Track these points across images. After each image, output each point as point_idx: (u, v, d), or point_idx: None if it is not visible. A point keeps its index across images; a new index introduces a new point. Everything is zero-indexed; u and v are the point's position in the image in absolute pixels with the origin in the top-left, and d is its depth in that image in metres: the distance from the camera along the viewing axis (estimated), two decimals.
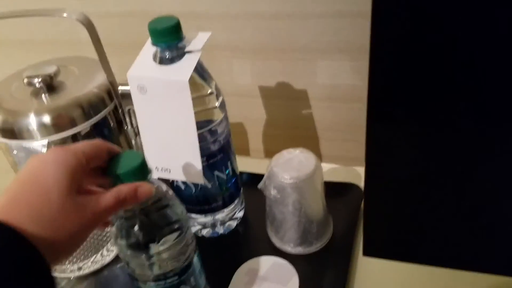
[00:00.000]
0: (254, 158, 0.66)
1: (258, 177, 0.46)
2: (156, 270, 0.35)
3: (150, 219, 0.34)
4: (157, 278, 0.36)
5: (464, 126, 0.31)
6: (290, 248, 0.46)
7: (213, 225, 0.49)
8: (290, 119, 0.62)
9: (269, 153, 0.66)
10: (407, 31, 0.29)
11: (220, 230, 0.50)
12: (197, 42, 0.40)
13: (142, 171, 0.32)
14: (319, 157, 0.61)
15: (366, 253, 0.38)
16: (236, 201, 0.50)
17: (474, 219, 0.35)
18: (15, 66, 0.50)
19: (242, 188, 0.51)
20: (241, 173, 0.52)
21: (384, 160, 0.33)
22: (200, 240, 0.42)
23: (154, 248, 0.34)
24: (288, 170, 0.43)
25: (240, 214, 0.51)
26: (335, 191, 0.50)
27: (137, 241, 0.34)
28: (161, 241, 0.34)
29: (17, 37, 0.67)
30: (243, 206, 0.52)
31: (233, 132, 0.48)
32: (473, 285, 0.42)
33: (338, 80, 0.56)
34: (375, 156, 0.33)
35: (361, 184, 0.53)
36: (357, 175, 0.57)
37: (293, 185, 0.42)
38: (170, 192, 0.36)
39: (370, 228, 0.36)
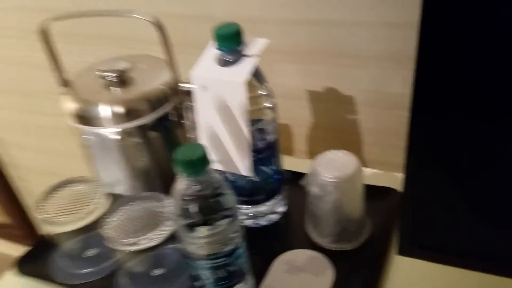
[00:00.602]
0: (298, 158, 0.70)
1: (301, 175, 0.50)
2: (207, 250, 0.40)
3: (207, 204, 0.38)
4: (207, 258, 0.40)
5: (505, 135, 0.33)
6: (327, 244, 0.50)
7: (255, 217, 0.53)
8: (335, 123, 0.65)
9: (312, 154, 0.69)
10: (453, 42, 0.31)
11: (262, 222, 0.54)
12: (255, 47, 0.44)
13: (203, 161, 0.37)
14: (361, 161, 0.64)
15: (401, 252, 0.40)
16: (278, 196, 0.54)
17: None
18: (89, 58, 0.57)
19: (285, 185, 0.55)
20: (285, 171, 0.56)
21: (422, 162, 0.36)
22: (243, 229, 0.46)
23: (207, 230, 0.38)
24: (330, 170, 0.46)
25: (281, 209, 0.55)
26: (374, 194, 0.53)
27: (193, 223, 0.38)
28: (214, 225, 0.38)
29: (92, 32, 0.73)
30: (285, 202, 0.55)
31: (279, 132, 0.51)
32: None
33: (385, 88, 0.59)
34: (414, 159, 0.35)
35: (400, 189, 0.55)
36: (396, 180, 0.59)
37: (334, 184, 0.46)
38: (225, 182, 0.40)
39: (406, 228, 0.39)
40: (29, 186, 1.19)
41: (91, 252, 0.53)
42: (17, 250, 1.37)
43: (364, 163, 0.65)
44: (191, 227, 0.38)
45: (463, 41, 0.31)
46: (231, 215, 0.39)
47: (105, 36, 0.73)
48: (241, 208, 0.53)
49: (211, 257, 0.40)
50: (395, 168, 0.61)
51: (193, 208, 0.38)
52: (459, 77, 0.32)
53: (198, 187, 0.38)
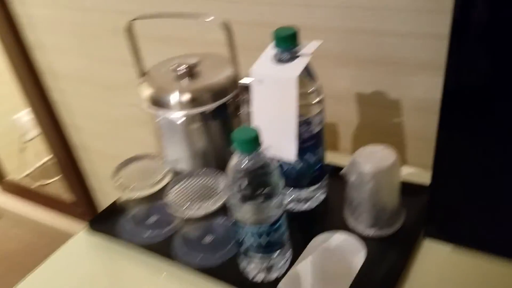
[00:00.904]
0: (341, 154, 0.75)
1: (342, 169, 0.55)
2: (253, 219, 0.46)
3: (255, 179, 0.45)
4: (253, 225, 0.46)
5: None
6: (362, 229, 0.54)
7: (298, 200, 0.59)
8: (380, 125, 0.70)
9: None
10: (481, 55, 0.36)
11: (303, 206, 0.59)
12: (308, 48, 0.50)
13: (255, 141, 0.43)
14: (404, 162, 0.68)
15: (428, 234, 0.44)
16: (318, 184, 0.59)
17: None
18: (160, 57, 0.65)
19: (326, 176, 0.60)
20: (328, 164, 0.61)
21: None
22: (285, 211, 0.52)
23: (255, 202, 0.45)
24: (370, 161, 0.51)
25: (321, 196, 0.60)
26: (411, 189, 0.57)
27: (243, 194, 0.45)
28: (260, 198, 0.45)
29: (162, 33, 0.83)
30: (325, 190, 0.61)
31: (326, 130, 0.57)
32: None
33: (430, 95, 0.62)
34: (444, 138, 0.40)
35: None
36: None
37: (372, 174, 0.51)
38: (274, 163, 0.46)
39: (433, 211, 0.43)
40: (94, 168, 1.32)
41: (152, 219, 0.61)
42: (77, 227, 1.52)
43: (403, 161, 0.69)
44: (241, 198, 0.45)
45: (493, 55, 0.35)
46: (276, 191, 0.46)
47: (175, 37, 0.82)
48: (284, 191, 0.59)
49: (256, 225, 0.46)
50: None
51: (244, 181, 0.45)
52: (487, 86, 0.37)
53: (250, 164, 0.45)
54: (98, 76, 1.06)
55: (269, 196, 0.46)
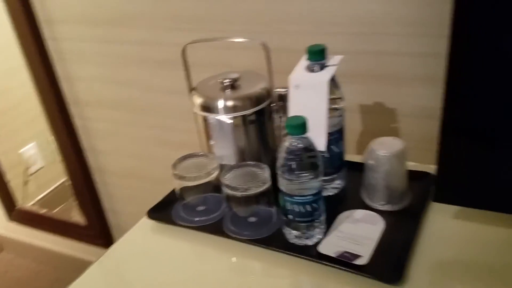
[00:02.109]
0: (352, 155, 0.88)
1: (353, 164, 0.70)
2: (300, 191, 0.59)
3: (302, 158, 0.58)
4: (300, 195, 0.59)
5: None
6: (378, 206, 0.67)
7: (325, 185, 0.72)
8: (380, 130, 0.84)
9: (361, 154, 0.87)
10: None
11: (329, 190, 0.72)
12: (334, 60, 0.65)
13: (304, 126, 0.57)
14: None
15: (437, 199, 0.57)
16: (341, 172, 0.73)
17: None
18: (207, 74, 0.79)
19: (345, 167, 0.74)
20: (348, 161, 0.75)
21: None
22: None
23: (303, 177, 0.58)
24: (384, 148, 0.65)
25: (342, 183, 0.73)
26: (415, 175, 0.70)
27: (293, 171, 0.58)
28: (307, 175, 0.58)
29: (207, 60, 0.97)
30: (344, 178, 0.74)
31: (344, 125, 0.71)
32: None
33: (427, 103, 0.78)
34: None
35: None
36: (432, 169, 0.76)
37: (386, 157, 0.64)
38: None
39: (441, 177, 0.56)
40: (110, 190, 1.41)
41: (202, 207, 0.73)
42: (88, 253, 1.58)
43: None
44: (291, 172, 0.58)
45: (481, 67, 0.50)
46: (318, 171, 0.59)
47: (212, 62, 0.96)
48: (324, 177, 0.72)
49: (303, 194, 0.59)
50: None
51: (294, 159, 0.58)
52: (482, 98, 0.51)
53: (298, 145, 0.58)
54: (121, 101, 1.18)
55: (312, 172, 0.58)
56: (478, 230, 0.62)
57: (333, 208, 0.69)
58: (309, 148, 0.58)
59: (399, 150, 0.65)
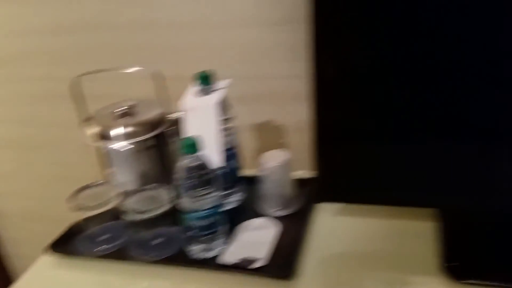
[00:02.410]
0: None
1: (251, 177, 0.77)
2: (198, 205, 0.63)
3: (200, 177, 0.63)
4: (198, 211, 0.63)
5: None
6: (272, 212, 0.74)
7: (225, 199, 0.77)
8: (273, 146, 0.93)
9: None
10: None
11: (228, 205, 0.77)
12: (222, 84, 0.72)
13: (195, 146, 0.62)
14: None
15: (318, 200, 0.66)
16: (238, 187, 0.79)
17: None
18: (104, 105, 0.81)
19: (243, 181, 0.80)
20: (245, 175, 0.81)
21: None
22: None
23: (200, 193, 0.62)
24: (272, 160, 0.72)
25: (241, 196, 0.79)
26: (301, 182, 0.79)
27: (191, 188, 0.62)
28: (204, 190, 0.63)
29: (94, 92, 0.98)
30: (242, 191, 0.80)
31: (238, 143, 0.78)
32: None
33: (302, 117, 0.88)
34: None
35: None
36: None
37: (274, 168, 0.72)
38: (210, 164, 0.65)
39: (320, 179, 0.65)
40: (11, 234, 1.32)
41: (105, 236, 0.73)
42: None
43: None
44: (189, 189, 0.62)
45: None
46: (214, 188, 0.64)
47: (108, 93, 0.98)
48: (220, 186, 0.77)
49: (200, 210, 0.63)
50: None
51: (190, 176, 0.62)
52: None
53: (193, 163, 0.62)
54: (17, 140, 1.13)
55: (209, 187, 0.63)
56: (360, 223, 0.72)
57: (233, 219, 0.74)
58: (204, 166, 0.63)
59: (285, 161, 0.73)
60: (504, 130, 0.57)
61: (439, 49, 0.55)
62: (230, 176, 0.76)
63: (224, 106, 0.73)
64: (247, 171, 0.83)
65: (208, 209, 0.64)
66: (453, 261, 0.61)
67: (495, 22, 0.52)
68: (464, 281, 0.58)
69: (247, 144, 0.94)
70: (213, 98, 0.70)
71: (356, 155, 0.65)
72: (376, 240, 0.68)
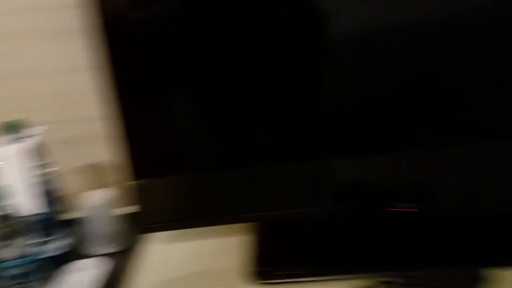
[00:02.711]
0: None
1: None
2: (7, 255, 0.62)
3: (8, 226, 0.62)
4: (12, 259, 0.62)
5: None
6: (100, 250, 0.76)
7: (48, 245, 0.76)
8: (97, 185, 0.94)
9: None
10: None
11: (53, 250, 0.76)
12: (34, 131, 0.73)
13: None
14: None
15: (143, 231, 0.71)
16: (61, 231, 0.79)
17: None
18: None
19: (70, 225, 0.80)
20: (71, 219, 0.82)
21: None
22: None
23: (10, 242, 0.62)
24: (93, 200, 0.75)
25: (66, 240, 0.79)
26: (131, 216, 0.83)
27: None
28: (13, 239, 0.62)
29: None
30: (69, 235, 0.80)
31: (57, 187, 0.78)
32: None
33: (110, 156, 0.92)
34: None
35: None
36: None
37: (96, 208, 0.75)
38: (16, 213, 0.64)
39: (140, 212, 0.70)
40: None
41: None
42: None
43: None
44: None
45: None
46: (24, 232, 0.64)
47: None
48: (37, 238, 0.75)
49: (9, 259, 0.63)
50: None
51: None
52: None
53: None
54: None
55: (19, 235, 0.63)
56: (186, 247, 0.78)
57: (59, 264, 0.74)
58: (11, 215, 0.63)
59: (105, 199, 0.76)
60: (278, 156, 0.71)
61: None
62: (50, 221, 0.76)
63: (40, 152, 0.74)
64: (72, 214, 0.84)
65: (20, 258, 0.63)
66: (264, 266, 0.71)
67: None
68: (273, 281, 0.68)
69: (71, 187, 0.94)
70: (22, 146, 0.71)
71: (171, 185, 0.73)
72: (200, 260, 0.76)
